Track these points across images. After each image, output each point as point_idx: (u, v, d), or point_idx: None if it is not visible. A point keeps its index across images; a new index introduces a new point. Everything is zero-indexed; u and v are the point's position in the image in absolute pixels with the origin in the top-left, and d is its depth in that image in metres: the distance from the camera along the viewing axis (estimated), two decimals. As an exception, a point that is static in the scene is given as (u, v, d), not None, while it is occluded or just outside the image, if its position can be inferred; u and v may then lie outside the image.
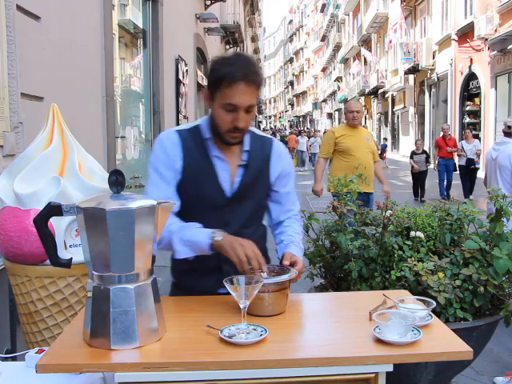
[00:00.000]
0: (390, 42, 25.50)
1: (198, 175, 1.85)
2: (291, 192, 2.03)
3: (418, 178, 11.94)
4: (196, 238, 1.74)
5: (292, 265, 1.78)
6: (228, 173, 1.87)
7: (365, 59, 33.20)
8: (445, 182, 11.76)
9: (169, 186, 1.84)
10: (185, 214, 1.84)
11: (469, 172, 11.13)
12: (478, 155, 11.45)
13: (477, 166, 11.30)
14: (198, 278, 1.87)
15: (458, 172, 11.52)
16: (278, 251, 1.99)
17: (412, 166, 12.01)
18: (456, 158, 11.70)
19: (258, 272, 1.66)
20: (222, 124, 1.79)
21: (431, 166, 12.61)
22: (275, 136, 28.63)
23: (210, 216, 1.83)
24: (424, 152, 12.17)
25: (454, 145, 11.73)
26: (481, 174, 9.33)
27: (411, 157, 12.10)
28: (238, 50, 25.25)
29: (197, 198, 1.85)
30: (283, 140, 27.03)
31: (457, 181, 11.85)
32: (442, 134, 12.08)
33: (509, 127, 5.08)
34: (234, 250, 1.66)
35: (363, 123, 28.18)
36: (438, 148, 11.79)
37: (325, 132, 21.25)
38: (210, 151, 1.86)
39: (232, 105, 1.74)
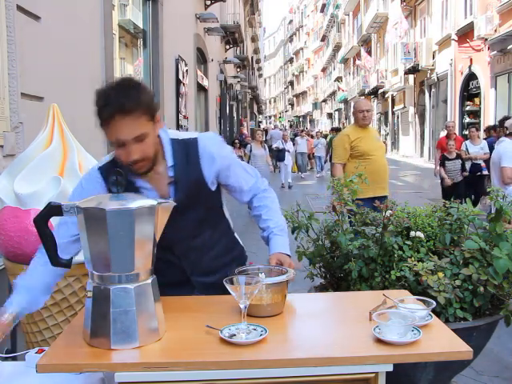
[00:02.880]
0: (401, 33, 24.43)
1: None
2: (240, 175, 1.93)
3: (454, 192, 7.62)
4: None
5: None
6: (159, 197, 1.73)
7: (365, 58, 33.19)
8: None
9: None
10: None
11: (474, 181, 8.62)
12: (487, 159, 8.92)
13: (484, 172, 8.59)
14: (170, 291, 1.78)
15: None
16: (262, 237, 1.99)
17: (442, 179, 8.38)
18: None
19: (255, 273, 1.67)
20: (121, 160, 1.69)
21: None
22: None
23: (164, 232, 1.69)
24: (458, 156, 8.48)
25: (459, 145, 9.24)
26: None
27: (442, 164, 8.44)
28: (238, 49, 25.30)
29: None
30: None
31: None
32: (444, 132, 10.35)
33: (506, 128, 5.28)
34: None
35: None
36: (441, 150, 9.26)
37: (318, 133, 20.88)
38: (134, 183, 1.76)
39: (116, 141, 1.63)
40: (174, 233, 1.72)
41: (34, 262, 1.72)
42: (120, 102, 1.57)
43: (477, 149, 8.80)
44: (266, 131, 25.35)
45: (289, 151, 15.25)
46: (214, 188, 1.88)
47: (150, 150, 1.69)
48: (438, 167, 8.76)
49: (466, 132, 15.89)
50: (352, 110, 5.11)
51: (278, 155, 15.19)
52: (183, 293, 1.90)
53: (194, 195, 1.81)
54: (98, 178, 1.79)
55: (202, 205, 1.86)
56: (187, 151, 1.81)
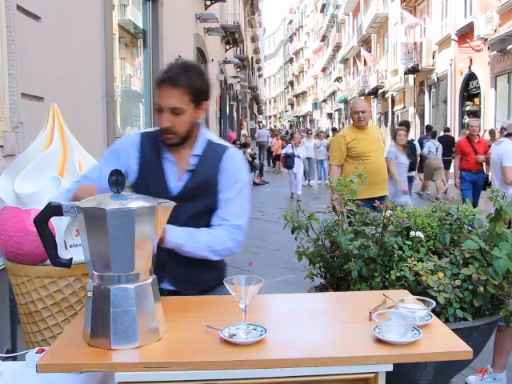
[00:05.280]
0: (408, 26, 23.86)
1: (148, 175, 1.95)
2: (233, 200, 1.93)
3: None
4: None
5: None
6: (175, 175, 1.95)
7: (365, 60, 33.20)
8: None
9: (101, 169, 1.96)
10: None
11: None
12: None
13: None
14: None
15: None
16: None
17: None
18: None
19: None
20: (157, 124, 1.91)
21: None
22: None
23: None
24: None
25: (486, 151, 7.71)
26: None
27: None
28: (238, 50, 25.30)
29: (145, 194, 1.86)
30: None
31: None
32: (461, 133, 9.17)
33: (504, 129, 5.37)
34: None
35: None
36: (461, 155, 7.87)
37: (321, 133, 19.44)
38: (161, 153, 1.97)
39: (157, 105, 1.88)
40: (172, 215, 1.75)
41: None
42: (175, 74, 1.84)
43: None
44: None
45: (299, 157, 12.84)
46: (220, 195, 1.96)
47: (182, 127, 1.88)
48: (458, 178, 7.82)
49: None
50: (349, 110, 5.10)
51: (286, 162, 13.06)
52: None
53: (201, 189, 1.93)
54: (135, 141, 2.00)
55: (203, 201, 1.94)
56: (215, 152, 1.98)
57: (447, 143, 12.13)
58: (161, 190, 1.89)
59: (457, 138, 13.33)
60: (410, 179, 8.75)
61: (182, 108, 1.85)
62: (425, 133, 14.23)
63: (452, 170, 9.27)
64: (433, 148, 11.38)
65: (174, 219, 1.80)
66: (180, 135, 1.90)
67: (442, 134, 13.61)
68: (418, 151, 10.70)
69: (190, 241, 1.84)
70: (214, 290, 2.03)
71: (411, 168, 8.49)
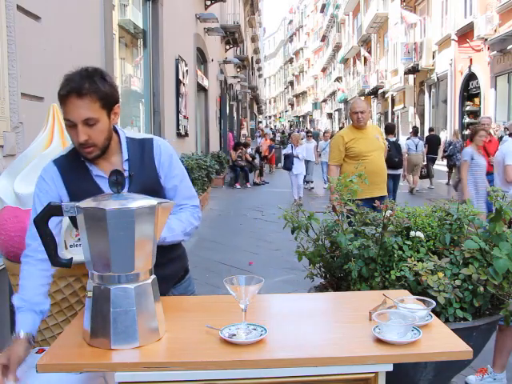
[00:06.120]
0: (407, 26, 23.77)
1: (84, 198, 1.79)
2: (180, 185, 1.96)
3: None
4: None
5: None
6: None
7: (365, 58, 33.21)
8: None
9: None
10: None
11: None
12: None
13: None
14: None
15: None
16: None
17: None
18: None
19: None
20: (72, 142, 1.79)
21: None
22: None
23: None
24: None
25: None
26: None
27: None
28: (238, 50, 25.30)
29: None
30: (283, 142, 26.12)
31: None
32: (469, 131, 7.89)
33: (507, 129, 5.38)
34: None
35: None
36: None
37: (326, 133, 18.36)
38: (90, 172, 1.84)
39: (68, 120, 1.72)
40: None
41: (27, 267, 1.74)
42: (78, 84, 1.69)
43: None
44: (273, 134, 24.28)
45: (298, 157, 11.70)
46: (165, 185, 1.93)
47: (100, 137, 1.76)
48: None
49: (466, 132, 15.96)
50: (348, 110, 5.08)
51: (284, 163, 12.09)
52: None
53: (148, 189, 1.82)
54: (53, 173, 1.84)
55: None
56: (143, 148, 1.90)
57: (433, 142, 13.90)
58: None
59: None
60: (397, 177, 9.21)
61: (95, 117, 1.71)
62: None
63: (438, 167, 9.47)
64: (412, 145, 12.22)
65: None
66: (99, 146, 1.77)
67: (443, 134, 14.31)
68: (404, 150, 10.98)
69: (169, 231, 1.84)
70: (183, 279, 2.09)
71: (398, 166, 9.05)
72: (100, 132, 1.75)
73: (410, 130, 14.43)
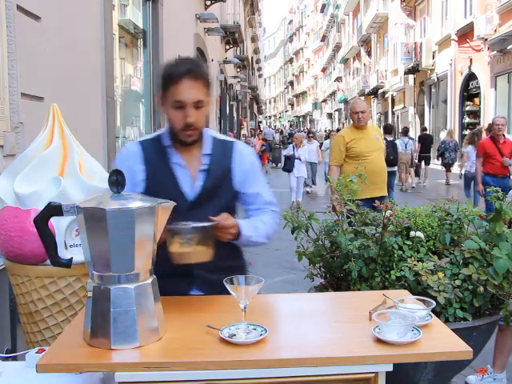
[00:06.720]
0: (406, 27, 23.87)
1: (159, 183, 1.88)
2: (261, 191, 1.99)
3: None
4: None
5: None
6: (189, 178, 1.90)
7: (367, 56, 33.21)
8: None
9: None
10: None
11: None
12: None
13: None
14: (170, 281, 1.77)
15: None
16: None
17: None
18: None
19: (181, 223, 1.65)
20: (174, 123, 1.83)
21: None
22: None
23: (175, 220, 1.72)
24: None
25: None
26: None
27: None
28: (238, 50, 25.30)
29: None
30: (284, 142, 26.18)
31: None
32: (483, 130, 8.02)
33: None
34: None
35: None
36: (484, 158, 6.92)
37: (332, 133, 18.24)
38: (169, 158, 1.90)
39: (179, 101, 1.78)
40: (193, 220, 1.75)
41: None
42: (195, 66, 1.80)
43: None
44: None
45: (299, 159, 11.20)
46: (235, 188, 1.95)
47: (202, 121, 1.85)
48: (481, 184, 6.89)
49: (466, 132, 15.97)
50: (349, 110, 5.08)
51: (285, 164, 11.64)
52: (180, 286, 1.90)
53: (219, 186, 1.90)
54: (137, 152, 1.90)
55: (221, 200, 1.92)
56: (224, 148, 1.96)
57: (426, 141, 14.55)
58: (175, 198, 1.77)
59: (458, 141, 13.75)
60: (393, 174, 9.71)
61: (205, 100, 1.82)
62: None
63: (433, 166, 10.14)
64: (402, 145, 12.58)
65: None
66: (199, 130, 1.86)
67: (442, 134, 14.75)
68: (399, 149, 11.66)
69: (254, 230, 1.87)
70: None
71: (393, 164, 9.61)
72: (203, 116, 1.84)
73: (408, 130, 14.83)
